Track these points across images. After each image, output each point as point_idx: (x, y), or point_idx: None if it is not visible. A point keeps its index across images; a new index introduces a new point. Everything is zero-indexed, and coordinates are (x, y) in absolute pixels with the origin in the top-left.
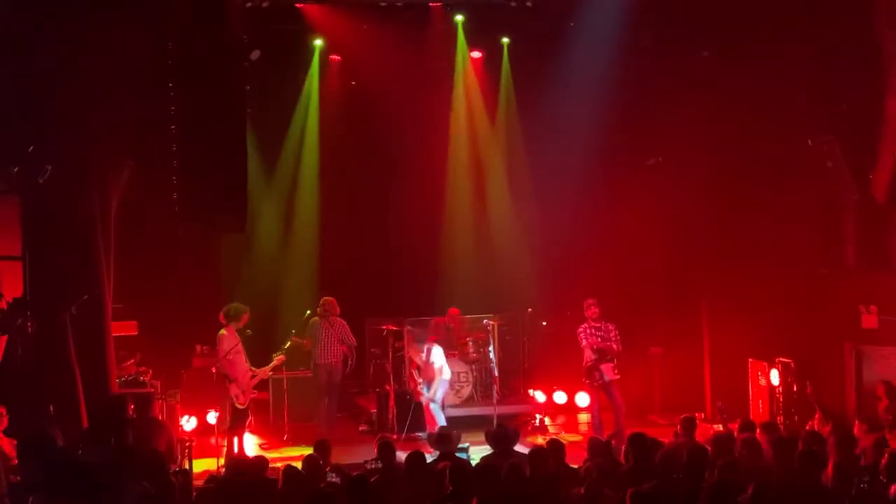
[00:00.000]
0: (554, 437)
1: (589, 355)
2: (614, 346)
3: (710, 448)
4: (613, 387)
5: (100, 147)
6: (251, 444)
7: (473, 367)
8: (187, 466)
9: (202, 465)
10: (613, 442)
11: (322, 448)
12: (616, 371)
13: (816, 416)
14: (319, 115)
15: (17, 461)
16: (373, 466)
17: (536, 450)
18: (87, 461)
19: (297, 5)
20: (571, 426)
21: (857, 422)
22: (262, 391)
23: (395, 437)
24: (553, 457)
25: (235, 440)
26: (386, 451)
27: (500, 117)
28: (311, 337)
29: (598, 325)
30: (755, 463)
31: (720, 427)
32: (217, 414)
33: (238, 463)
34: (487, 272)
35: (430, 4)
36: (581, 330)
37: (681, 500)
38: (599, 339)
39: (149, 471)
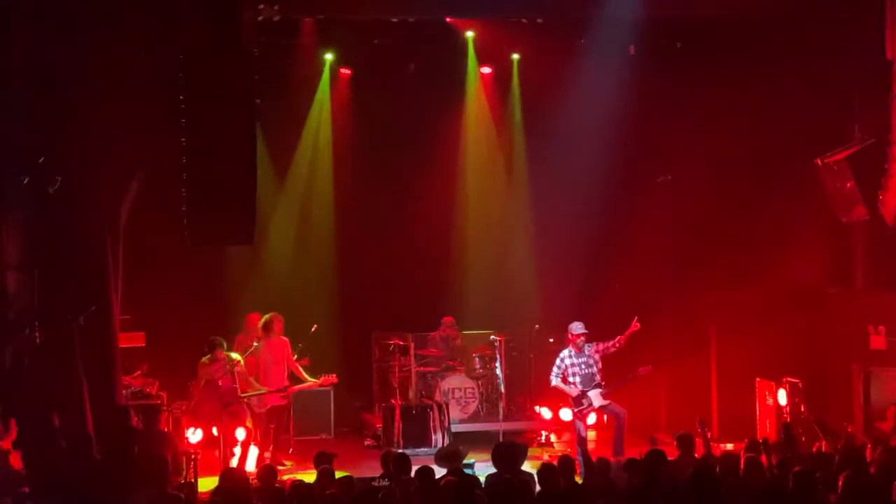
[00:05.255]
0: (564, 454)
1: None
2: (599, 375)
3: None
4: (606, 410)
5: (109, 158)
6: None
7: (480, 382)
8: (193, 479)
9: (207, 478)
10: (613, 461)
11: (329, 460)
12: (604, 396)
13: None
14: (331, 129)
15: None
16: (379, 484)
17: (546, 467)
18: (92, 468)
19: (308, 19)
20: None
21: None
22: None
23: (399, 451)
24: (563, 474)
25: (238, 452)
26: (398, 463)
27: (509, 133)
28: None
29: (581, 353)
30: (759, 483)
31: (729, 447)
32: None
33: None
34: (495, 288)
35: (441, 21)
36: (560, 361)
37: None
38: (583, 368)
39: (154, 481)
